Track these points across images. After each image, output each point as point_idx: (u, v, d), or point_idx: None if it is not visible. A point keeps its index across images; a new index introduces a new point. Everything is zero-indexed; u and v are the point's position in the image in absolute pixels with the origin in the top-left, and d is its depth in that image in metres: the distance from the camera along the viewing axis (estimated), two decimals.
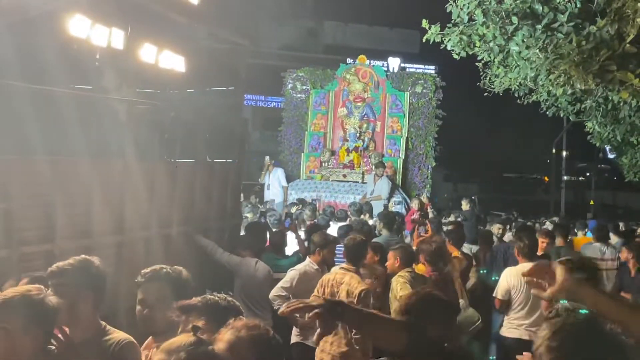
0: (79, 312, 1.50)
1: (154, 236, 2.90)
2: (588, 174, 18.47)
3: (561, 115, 6.12)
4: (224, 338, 1.06)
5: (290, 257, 3.65)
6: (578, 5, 3.47)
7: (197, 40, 3.74)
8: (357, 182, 7.77)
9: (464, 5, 3.82)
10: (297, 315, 2.96)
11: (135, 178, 2.78)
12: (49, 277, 1.53)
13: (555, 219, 8.54)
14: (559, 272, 0.94)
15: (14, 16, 2.75)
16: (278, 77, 9.07)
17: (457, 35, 3.94)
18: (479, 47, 3.99)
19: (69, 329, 1.50)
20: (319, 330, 1.05)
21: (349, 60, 10.16)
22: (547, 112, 5.61)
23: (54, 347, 1.38)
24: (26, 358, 1.31)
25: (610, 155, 12.77)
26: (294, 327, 3.00)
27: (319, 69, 8.85)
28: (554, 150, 15.92)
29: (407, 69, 11.99)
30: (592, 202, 16.29)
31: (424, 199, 7.02)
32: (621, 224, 6.65)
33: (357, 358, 2.50)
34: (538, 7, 3.53)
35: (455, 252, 3.44)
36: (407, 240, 4.80)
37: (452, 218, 6.36)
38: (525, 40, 3.64)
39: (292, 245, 3.92)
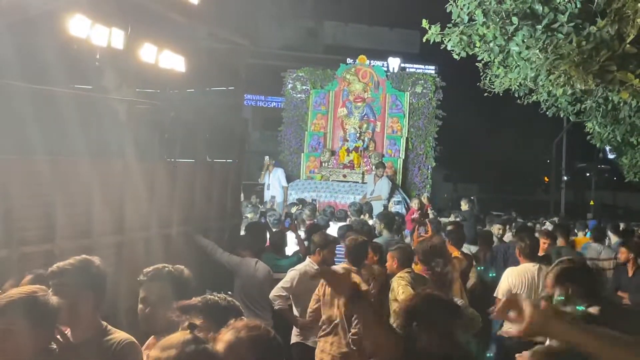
0: (79, 312, 1.50)
1: (154, 236, 2.90)
2: (588, 174, 18.46)
3: (561, 116, 6.13)
4: (224, 338, 1.06)
5: (290, 257, 3.65)
6: (578, 6, 3.47)
7: (197, 40, 3.74)
8: (357, 182, 7.77)
9: (464, 5, 3.82)
10: (297, 315, 2.98)
11: (135, 178, 2.78)
12: (49, 277, 1.53)
13: (555, 219, 8.54)
14: (526, 310, 0.86)
15: (14, 16, 2.75)
16: (278, 77, 9.07)
17: (457, 36, 3.95)
18: (479, 47, 3.99)
19: (70, 329, 1.50)
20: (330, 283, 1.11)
21: (349, 60, 10.16)
22: (547, 113, 5.61)
23: (55, 347, 1.39)
24: (30, 358, 1.32)
25: (610, 156, 12.78)
26: (294, 327, 3.00)
27: (319, 69, 8.85)
28: (553, 151, 15.92)
29: (407, 69, 11.99)
30: (592, 203, 16.29)
31: (424, 199, 7.02)
32: (622, 225, 6.65)
33: (356, 358, 2.50)
34: (538, 8, 3.53)
35: (455, 253, 3.44)
36: (407, 240, 4.80)
37: (451, 218, 6.36)
38: (525, 40, 3.65)
39: (292, 245, 3.92)
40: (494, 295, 3.19)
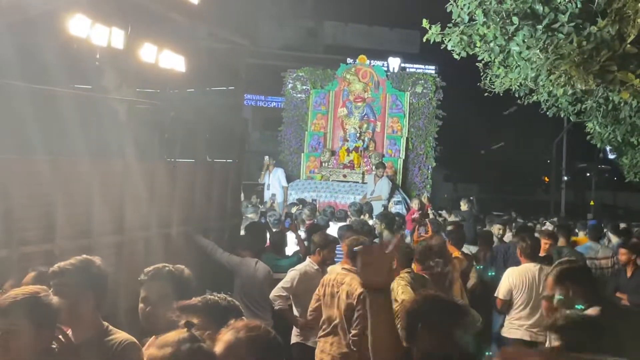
0: (80, 312, 1.50)
1: (154, 236, 2.89)
2: (588, 175, 18.45)
3: (561, 116, 6.11)
4: (223, 339, 1.06)
5: (290, 257, 3.65)
6: (579, 6, 3.46)
7: (197, 40, 3.74)
8: (357, 182, 7.76)
9: (464, 5, 3.82)
10: (297, 315, 2.98)
11: (135, 178, 2.77)
12: (50, 277, 1.53)
13: (555, 219, 8.54)
14: None
15: (14, 16, 2.75)
16: (278, 77, 9.07)
17: (457, 36, 3.94)
18: (480, 47, 3.98)
19: (71, 329, 1.51)
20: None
21: (349, 60, 10.15)
22: (548, 113, 5.61)
23: (55, 347, 1.39)
24: (31, 357, 1.32)
25: (611, 156, 12.77)
26: (294, 328, 3.00)
27: (319, 69, 8.84)
28: (554, 151, 15.91)
29: (408, 69, 11.98)
30: (592, 203, 16.28)
31: (424, 199, 7.02)
32: (622, 225, 6.65)
33: (356, 359, 2.49)
34: (539, 8, 3.52)
35: (456, 253, 3.43)
36: (408, 240, 4.80)
37: (451, 218, 6.36)
38: (525, 40, 3.64)
39: (292, 246, 3.92)
40: (495, 295, 3.19)
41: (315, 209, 5.45)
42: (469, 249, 4.32)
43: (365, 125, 8.34)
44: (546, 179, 20.04)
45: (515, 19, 3.58)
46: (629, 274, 3.74)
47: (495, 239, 4.79)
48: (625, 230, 5.54)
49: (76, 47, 2.97)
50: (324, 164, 8.20)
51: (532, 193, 21.02)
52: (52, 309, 1.37)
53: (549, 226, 6.66)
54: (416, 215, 5.78)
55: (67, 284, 1.49)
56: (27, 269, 1.96)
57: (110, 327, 1.56)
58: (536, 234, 4.09)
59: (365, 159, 8.08)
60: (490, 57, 4.17)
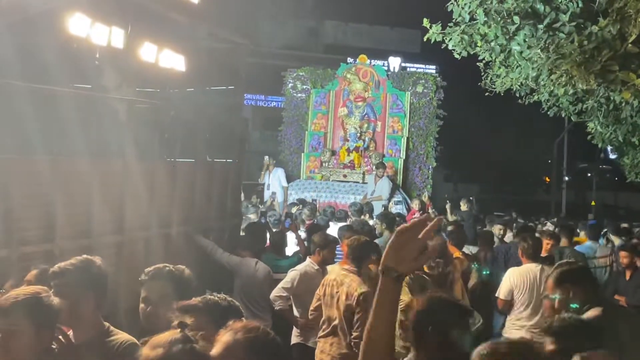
0: (81, 313, 1.51)
1: (154, 236, 2.89)
2: (589, 175, 18.41)
3: (562, 116, 6.10)
4: (221, 340, 1.06)
5: (291, 257, 3.64)
6: (580, 5, 3.45)
7: (197, 39, 3.73)
8: (358, 182, 7.76)
9: (465, 4, 3.80)
10: (298, 315, 2.97)
11: (135, 178, 2.77)
12: (51, 277, 1.53)
13: (554, 219, 8.52)
14: None
15: (13, 15, 2.75)
16: (278, 76, 9.06)
17: (458, 35, 3.93)
18: (480, 46, 3.97)
19: (72, 330, 1.51)
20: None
21: (349, 60, 10.14)
22: (549, 112, 5.59)
23: (55, 348, 1.39)
24: (32, 358, 1.33)
25: (612, 156, 12.75)
26: (294, 328, 3.00)
27: (319, 69, 8.83)
28: (555, 151, 15.89)
29: (408, 69, 11.98)
30: (593, 203, 16.25)
31: (425, 199, 7.01)
32: (623, 225, 6.64)
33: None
34: (540, 7, 3.51)
35: (456, 253, 3.43)
36: None
37: (451, 218, 6.36)
38: (526, 40, 3.63)
39: (292, 246, 3.91)
40: (496, 295, 3.18)
41: (316, 209, 5.45)
42: (469, 249, 4.32)
43: (365, 125, 8.33)
44: (547, 179, 20.00)
45: (516, 19, 3.57)
46: (627, 276, 3.73)
47: (496, 239, 4.78)
48: (626, 230, 5.54)
49: (76, 46, 2.97)
50: (324, 164, 8.19)
51: (533, 193, 20.99)
52: (53, 310, 1.37)
53: (549, 226, 6.65)
54: (417, 215, 5.78)
55: (67, 284, 1.49)
56: (27, 269, 1.96)
57: (112, 327, 1.56)
58: (537, 234, 4.08)
59: (366, 159, 8.07)
60: (491, 57, 4.16)
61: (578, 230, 6.24)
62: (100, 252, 2.16)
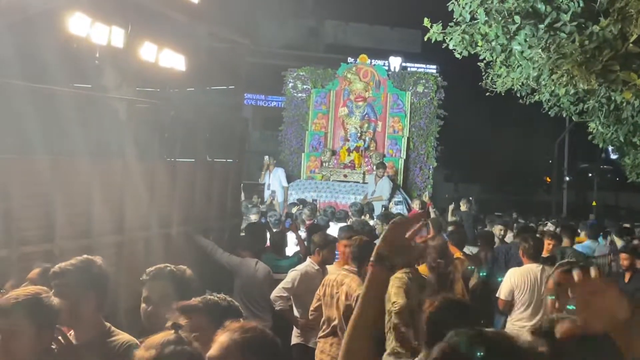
0: (81, 313, 1.50)
1: (154, 236, 2.89)
2: (590, 175, 18.38)
3: (563, 116, 6.08)
4: (218, 340, 1.05)
5: (291, 257, 3.64)
6: (581, 5, 3.44)
7: (198, 39, 3.72)
8: (358, 182, 7.75)
9: (466, 4, 3.79)
10: (298, 316, 2.96)
11: (135, 178, 2.77)
12: (51, 277, 1.53)
13: (554, 220, 8.51)
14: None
15: (14, 15, 2.74)
16: (279, 76, 9.05)
17: (459, 35, 3.92)
18: (481, 46, 3.96)
19: (73, 330, 1.51)
20: None
21: (350, 60, 10.14)
22: (550, 112, 5.58)
23: (55, 348, 1.38)
24: (32, 358, 1.33)
25: (613, 156, 12.72)
26: (295, 328, 2.99)
27: (319, 68, 8.82)
28: (555, 151, 15.86)
29: (409, 69, 11.98)
30: (594, 203, 16.22)
31: (426, 199, 7.00)
32: (625, 225, 6.63)
33: None
34: (541, 7, 3.50)
35: (457, 253, 3.42)
36: None
37: (450, 218, 6.35)
38: (527, 39, 3.62)
39: (292, 246, 3.91)
40: (496, 295, 3.17)
41: (316, 209, 5.44)
42: (469, 249, 4.31)
43: (366, 125, 8.32)
44: (548, 179, 19.97)
45: (517, 18, 3.56)
46: (626, 278, 3.72)
47: (496, 239, 4.77)
48: (628, 230, 5.52)
49: (76, 46, 2.97)
50: (324, 164, 8.18)
51: (534, 193, 20.97)
52: (53, 310, 1.38)
53: (550, 227, 6.64)
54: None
55: (68, 284, 1.49)
56: (27, 269, 1.96)
57: (113, 328, 1.56)
58: (538, 235, 4.07)
59: (366, 159, 8.06)
60: (492, 57, 4.15)
61: (579, 231, 6.24)
62: (100, 252, 2.15)
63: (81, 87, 3.36)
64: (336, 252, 3.10)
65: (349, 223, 4.49)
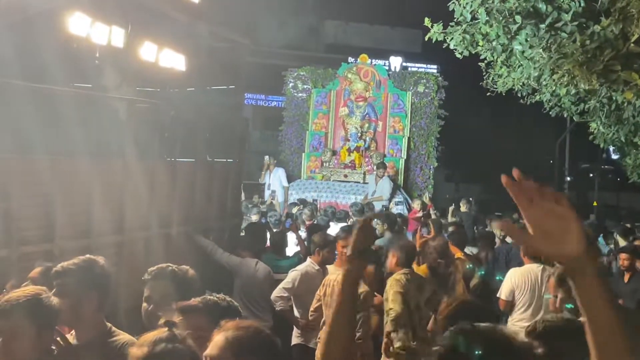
0: (83, 313, 1.50)
1: (154, 236, 2.89)
2: (591, 175, 18.35)
3: (565, 116, 6.07)
4: (213, 340, 1.05)
5: (291, 257, 3.63)
6: (582, 5, 3.43)
7: (198, 38, 3.72)
8: (359, 182, 7.74)
9: (466, 3, 3.79)
10: (298, 316, 2.96)
11: (135, 177, 2.77)
12: (53, 276, 1.53)
13: None
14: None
15: (13, 15, 2.74)
16: (279, 76, 9.04)
17: (459, 34, 3.92)
18: (482, 46, 3.96)
19: (74, 330, 1.51)
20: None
21: (350, 59, 10.13)
22: (551, 113, 5.57)
23: (55, 349, 1.38)
24: (33, 359, 1.33)
25: (614, 156, 12.68)
26: (295, 329, 2.99)
27: (320, 68, 8.82)
28: (556, 151, 15.84)
29: (409, 68, 11.95)
30: (595, 203, 16.18)
31: (426, 199, 6.99)
32: (627, 225, 6.61)
33: None
34: (542, 6, 3.49)
35: (458, 254, 3.41)
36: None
37: (450, 219, 6.35)
38: (528, 39, 3.61)
39: (292, 246, 3.90)
40: (497, 295, 3.17)
41: (316, 209, 5.44)
42: (470, 249, 4.30)
43: (366, 125, 8.32)
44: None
45: (518, 18, 3.55)
46: (626, 279, 3.69)
47: (497, 239, 4.76)
48: (630, 230, 5.51)
49: (76, 45, 2.96)
50: (325, 164, 8.18)
51: None
52: (53, 310, 1.38)
53: None
54: (419, 215, 5.76)
55: (70, 284, 1.49)
56: (27, 269, 1.96)
57: (114, 328, 1.56)
58: None
59: (367, 159, 8.06)
60: (493, 56, 4.14)
61: None
62: (100, 251, 2.15)
63: (81, 87, 3.36)
64: (336, 252, 3.09)
65: (349, 223, 4.48)
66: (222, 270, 3.10)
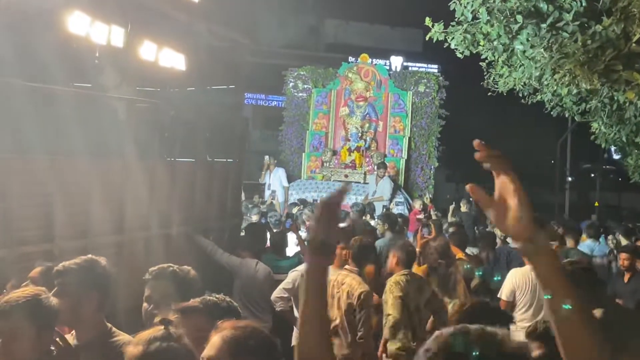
0: (83, 313, 1.50)
1: (154, 236, 2.88)
2: (593, 175, 18.31)
3: (566, 116, 6.06)
4: (210, 340, 1.04)
5: (291, 258, 3.63)
6: (583, 4, 3.42)
7: (198, 38, 3.71)
8: (359, 182, 7.74)
9: (467, 3, 3.78)
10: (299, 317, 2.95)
11: (135, 177, 2.76)
12: (54, 276, 1.53)
13: (553, 222, 8.47)
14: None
15: (13, 14, 2.74)
16: (279, 75, 9.03)
17: (460, 34, 3.90)
18: (483, 45, 3.94)
19: (74, 330, 1.51)
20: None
21: (350, 59, 10.10)
22: (552, 112, 5.55)
23: (54, 350, 1.38)
24: (32, 359, 1.32)
25: (616, 156, 12.66)
26: (295, 329, 2.98)
27: (320, 68, 8.82)
28: (558, 151, 15.81)
29: (410, 68, 11.92)
30: (596, 204, 16.15)
31: (427, 200, 6.99)
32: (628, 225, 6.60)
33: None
34: (543, 6, 3.48)
35: (459, 254, 3.40)
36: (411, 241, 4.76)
37: (450, 219, 6.34)
38: (529, 39, 3.60)
39: (292, 246, 3.90)
40: (498, 296, 3.16)
41: None
42: (470, 250, 4.29)
43: (367, 125, 8.31)
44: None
45: (519, 18, 3.54)
46: (626, 279, 3.68)
47: (498, 240, 4.75)
48: (632, 230, 5.50)
49: (75, 45, 2.96)
50: (325, 164, 8.17)
51: (536, 194, 20.94)
52: (53, 311, 1.38)
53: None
54: (420, 215, 5.75)
55: (71, 284, 1.49)
56: (27, 269, 1.96)
57: (114, 329, 1.56)
58: None
59: (367, 159, 8.05)
60: (494, 56, 4.13)
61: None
62: (100, 251, 2.14)
63: (81, 86, 3.36)
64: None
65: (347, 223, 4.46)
66: (222, 271, 3.10)
